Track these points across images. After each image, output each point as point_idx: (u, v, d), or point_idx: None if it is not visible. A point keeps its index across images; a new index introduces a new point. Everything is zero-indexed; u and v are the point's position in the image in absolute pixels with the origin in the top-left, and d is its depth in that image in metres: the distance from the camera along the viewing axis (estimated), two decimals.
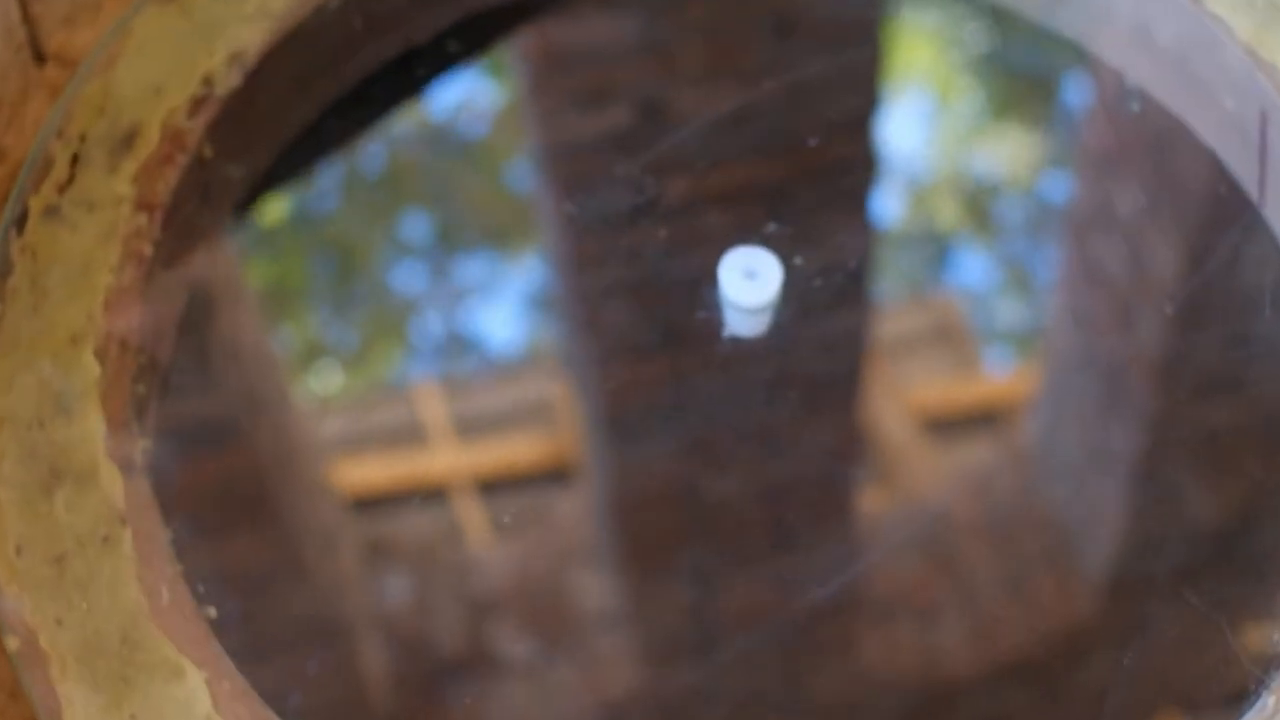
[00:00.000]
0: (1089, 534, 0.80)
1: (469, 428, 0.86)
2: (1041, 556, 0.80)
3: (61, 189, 0.83)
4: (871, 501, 0.83)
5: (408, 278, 0.91)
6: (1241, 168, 0.90)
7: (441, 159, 0.97)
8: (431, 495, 0.83)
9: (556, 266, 0.92)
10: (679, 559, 0.79)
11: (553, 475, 0.85)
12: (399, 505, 0.83)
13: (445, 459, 0.85)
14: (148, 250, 0.82)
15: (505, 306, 0.90)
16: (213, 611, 0.73)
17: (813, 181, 0.90)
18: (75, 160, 0.83)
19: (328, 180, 0.93)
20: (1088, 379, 0.87)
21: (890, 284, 0.86)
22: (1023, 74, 1.03)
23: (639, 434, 0.83)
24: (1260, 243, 0.88)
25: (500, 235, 0.95)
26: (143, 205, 0.82)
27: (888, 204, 0.93)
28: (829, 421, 0.83)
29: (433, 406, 0.88)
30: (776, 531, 0.79)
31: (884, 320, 0.87)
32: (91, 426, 0.76)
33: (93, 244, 0.81)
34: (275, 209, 0.92)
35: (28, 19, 0.91)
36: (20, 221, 0.81)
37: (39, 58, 0.93)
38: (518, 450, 0.86)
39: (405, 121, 0.95)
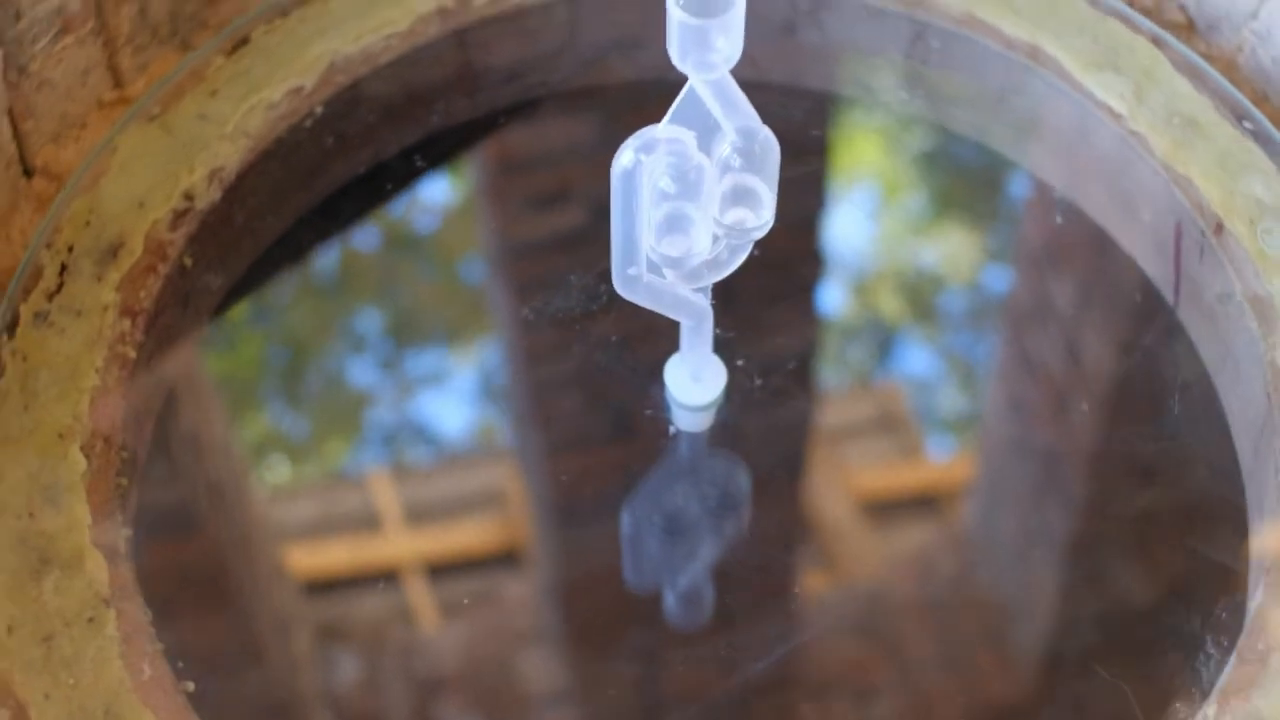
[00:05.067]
0: (1024, 613, 0.92)
1: (421, 514, 0.97)
2: (978, 635, 0.91)
3: (50, 296, 0.94)
4: (813, 583, 0.94)
5: (363, 371, 1.03)
6: (1158, 274, 1.02)
7: (398, 256, 1.09)
8: (384, 578, 0.94)
9: (510, 359, 1.04)
10: (624, 638, 0.90)
11: (502, 559, 0.96)
12: (353, 588, 0.93)
13: (398, 543, 0.96)
14: (131, 353, 0.93)
15: (459, 396, 1.02)
16: (191, 686, 0.84)
17: (758, 279, 1.02)
18: (64, 270, 0.95)
19: (294, 277, 1.05)
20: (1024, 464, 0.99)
21: (834, 373, 0.98)
22: (965, 173, 1.16)
23: (587, 520, 0.94)
24: (1175, 344, 1.00)
25: (454, 328, 1.07)
26: (126, 312, 0.94)
27: (832, 299, 1.06)
28: (773, 505, 0.94)
29: (386, 493, 0.99)
30: (719, 612, 0.91)
31: (828, 408, 0.99)
32: (78, 516, 0.87)
33: (80, 348, 0.92)
34: (241, 308, 1.03)
35: (17, 135, 1.03)
36: (11, 327, 0.93)
37: (27, 172, 1.05)
38: (468, 535, 0.97)
39: (366, 221, 1.08)
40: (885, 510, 0.97)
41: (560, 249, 1.09)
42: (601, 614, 0.91)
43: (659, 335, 0.94)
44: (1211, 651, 0.86)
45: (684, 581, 0.92)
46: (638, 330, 0.97)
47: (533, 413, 1.02)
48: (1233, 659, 0.84)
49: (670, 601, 0.91)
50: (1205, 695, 0.83)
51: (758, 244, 0.85)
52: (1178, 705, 0.85)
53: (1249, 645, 0.84)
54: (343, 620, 0.92)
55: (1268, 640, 0.84)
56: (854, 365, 0.99)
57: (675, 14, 0.73)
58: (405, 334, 1.05)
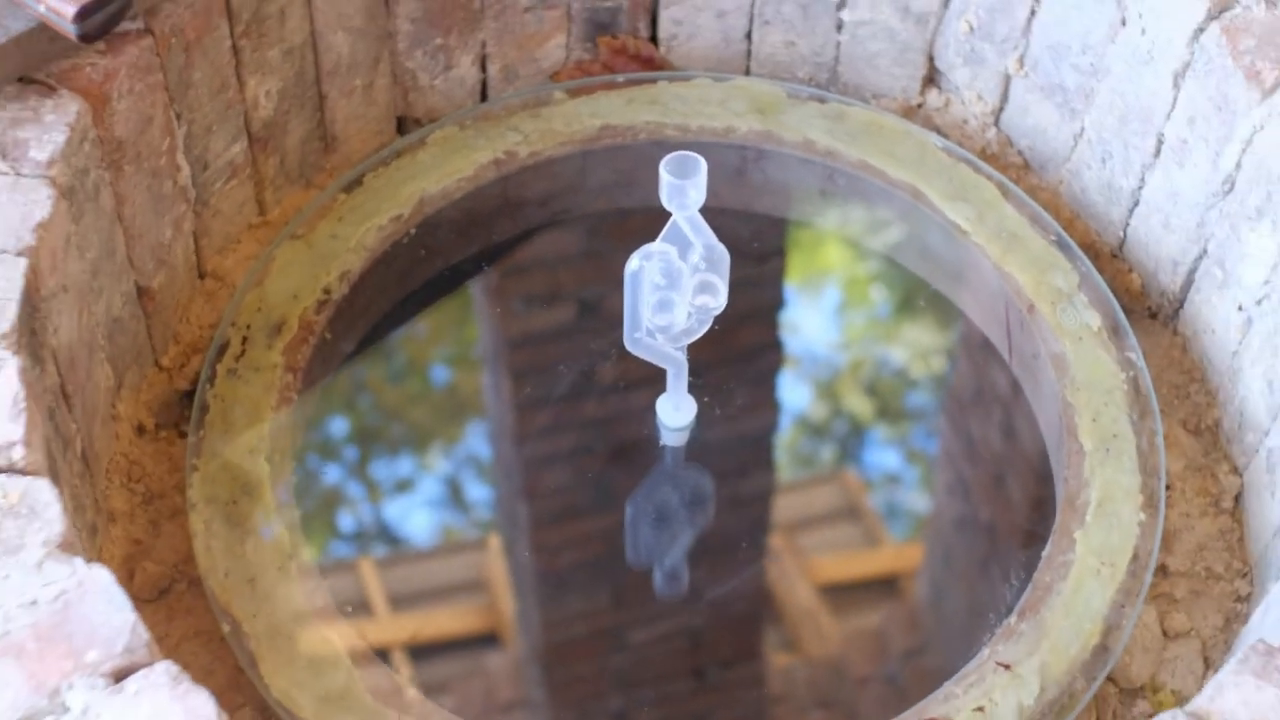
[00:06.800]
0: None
1: (409, 597, 1.35)
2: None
3: (237, 359, 1.39)
4: (780, 655, 1.34)
5: (338, 473, 1.46)
6: (998, 340, 1.48)
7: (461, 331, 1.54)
8: (377, 656, 1.28)
9: (502, 442, 1.47)
10: (603, 704, 1.29)
11: (486, 637, 1.34)
12: (357, 664, 1.26)
13: (387, 624, 1.34)
14: (293, 396, 1.38)
15: (443, 490, 1.45)
16: (349, 609, 1.28)
17: (720, 354, 1.46)
18: (245, 341, 1.40)
19: (393, 346, 1.50)
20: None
21: (768, 405, 1.45)
22: (862, 270, 1.60)
23: (569, 589, 1.38)
24: (1010, 387, 1.46)
25: (436, 427, 1.51)
26: (289, 369, 1.39)
27: (766, 362, 1.51)
28: (728, 493, 1.40)
29: (375, 578, 1.37)
30: (695, 678, 1.33)
31: (761, 427, 1.44)
32: (267, 502, 1.31)
33: (259, 393, 1.37)
34: (361, 364, 1.48)
35: (197, 249, 1.47)
36: (212, 379, 1.37)
37: (201, 275, 1.49)
38: (454, 616, 1.35)
39: (445, 305, 1.53)
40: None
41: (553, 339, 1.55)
42: (582, 677, 1.32)
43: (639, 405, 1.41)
44: (1015, 582, 1.31)
45: (668, 544, 1.37)
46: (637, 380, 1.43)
47: (521, 487, 1.46)
48: (1029, 587, 1.28)
49: (656, 562, 1.37)
50: (1010, 610, 1.28)
51: (716, 320, 1.30)
52: (991, 616, 1.30)
53: (1040, 579, 1.28)
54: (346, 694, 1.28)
55: (1052, 575, 1.28)
56: (782, 401, 1.46)
57: (665, 177, 1.20)
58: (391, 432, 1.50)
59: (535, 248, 1.58)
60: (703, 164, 1.20)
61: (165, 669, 0.98)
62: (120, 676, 0.98)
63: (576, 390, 1.46)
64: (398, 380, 1.51)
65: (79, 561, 1.02)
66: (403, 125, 1.62)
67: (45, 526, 1.03)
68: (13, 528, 1.03)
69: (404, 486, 1.43)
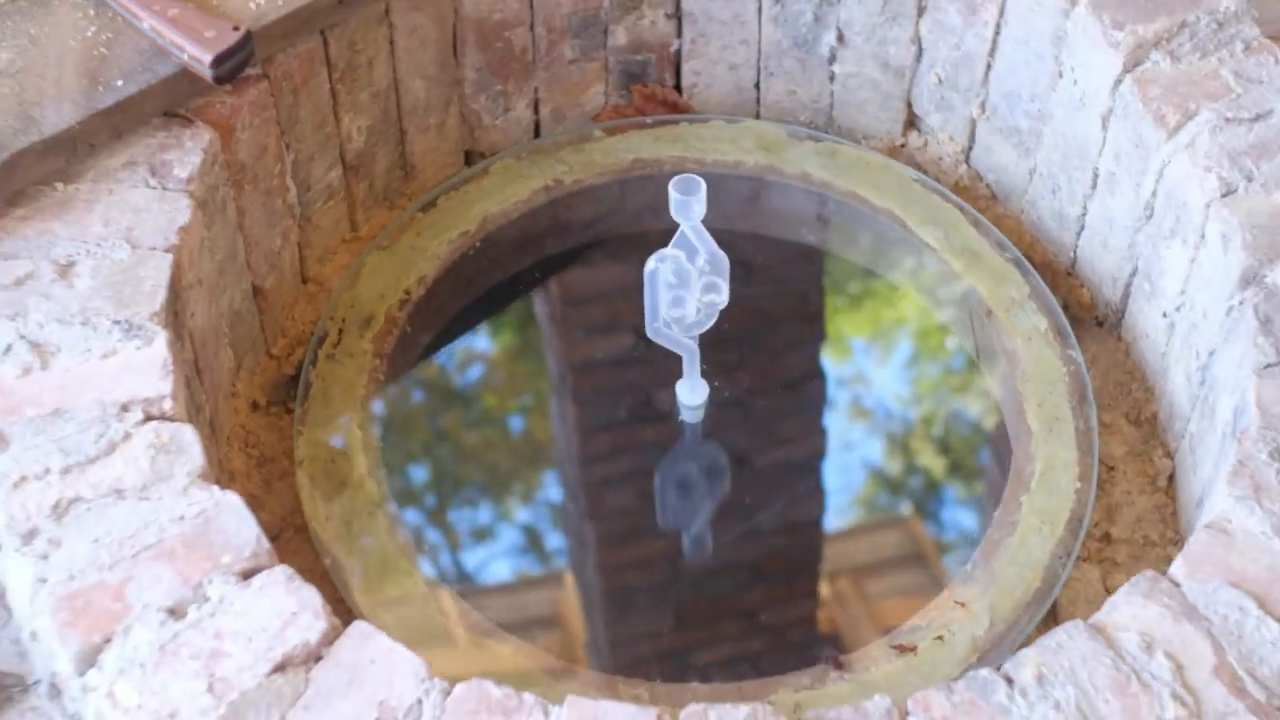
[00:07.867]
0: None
1: (487, 629, 1.44)
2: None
3: (334, 346, 1.64)
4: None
5: (416, 438, 1.68)
6: (965, 340, 1.72)
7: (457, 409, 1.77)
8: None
9: (567, 464, 1.67)
10: None
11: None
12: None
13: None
14: (381, 378, 1.63)
15: (507, 445, 1.68)
16: (425, 547, 1.53)
17: (732, 345, 1.69)
18: (340, 331, 1.65)
19: (461, 342, 1.75)
20: None
21: (762, 387, 1.69)
22: (850, 282, 1.81)
23: (636, 605, 1.58)
24: (977, 376, 1.70)
25: (497, 401, 1.74)
26: (377, 355, 1.63)
27: (762, 357, 1.73)
28: (734, 456, 1.65)
29: (455, 611, 1.45)
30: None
31: (756, 404, 1.67)
32: (359, 462, 1.55)
33: (353, 374, 1.62)
34: (437, 354, 1.74)
35: (300, 259, 1.72)
36: (314, 363, 1.62)
37: (303, 280, 1.74)
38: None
39: (506, 308, 1.76)
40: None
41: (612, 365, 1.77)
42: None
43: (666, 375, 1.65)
44: (973, 531, 1.55)
45: (690, 496, 1.62)
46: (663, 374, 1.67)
47: (586, 507, 1.67)
48: (983, 540, 1.49)
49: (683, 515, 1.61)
50: (972, 548, 1.50)
51: (722, 314, 1.54)
52: (960, 552, 1.53)
53: (992, 534, 1.49)
54: None
55: (1002, 531, 1.51)
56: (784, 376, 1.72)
57: (673, 194, 1.42)
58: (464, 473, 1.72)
59: (578, 263, 1.81)
60: (702, 183, 1.41)
61: (283, 570, 1.20)
62: (248, 575, 1.20)
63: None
64: (466, 365, 1.76)
65: (215, 488, 1.25)
66: (469, 157, 1.83)
67: (189, 461, 1.26)
68: (164, 461, 1.26)
69: (471, 450, 1.69)
